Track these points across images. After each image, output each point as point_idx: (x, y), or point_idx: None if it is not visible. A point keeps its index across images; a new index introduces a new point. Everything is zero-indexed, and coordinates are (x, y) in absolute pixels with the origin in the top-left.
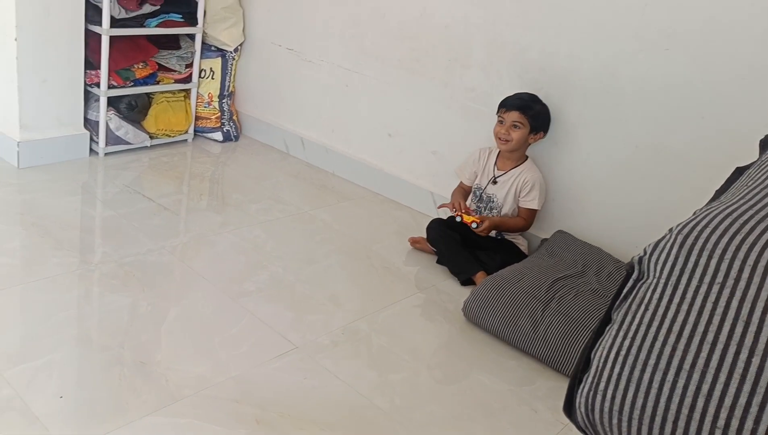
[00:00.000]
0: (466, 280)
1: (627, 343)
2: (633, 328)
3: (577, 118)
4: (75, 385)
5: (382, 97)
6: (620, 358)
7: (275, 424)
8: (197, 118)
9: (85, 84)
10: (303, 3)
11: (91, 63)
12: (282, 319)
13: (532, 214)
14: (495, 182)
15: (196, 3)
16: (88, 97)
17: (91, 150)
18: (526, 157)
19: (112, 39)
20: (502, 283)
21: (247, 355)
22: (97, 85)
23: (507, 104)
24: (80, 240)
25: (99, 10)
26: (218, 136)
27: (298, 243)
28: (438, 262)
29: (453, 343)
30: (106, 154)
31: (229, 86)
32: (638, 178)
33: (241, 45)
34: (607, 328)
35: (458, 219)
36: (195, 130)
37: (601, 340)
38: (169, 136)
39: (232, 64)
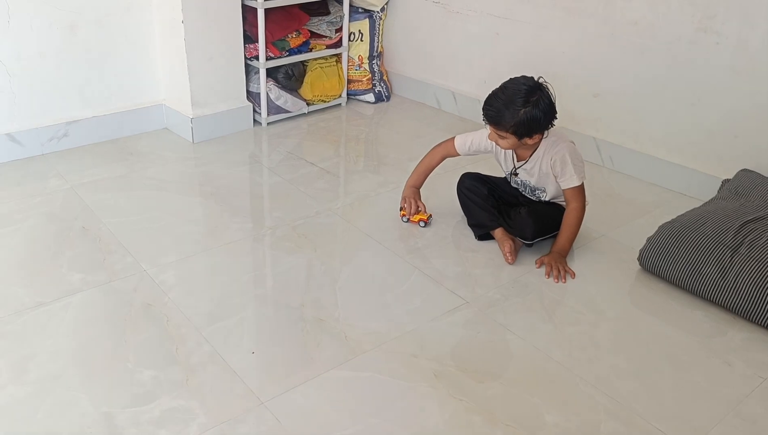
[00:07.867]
0: (483, 236)
1: None
2: None
3: (761, 44)
4: (264, 341)
5: (535, 42)
6: None
7: (454, 377)
8: (349, 81)
9: (245, 58)
10: None
11: (249, 37)
12: (450, 274)
13: (579, 190)
14: (516, 174)
15: None
16: (249, 70)
17: (254, 120)
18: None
19: (267, 11)
20: (681, 229)
21: (420, 311)
22: (256, 57)
23: (483, 113)
24: (254, 206)
25: None
26: (370, 97)
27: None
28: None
29: (630, 294)
30: (268, 123)
31: (377, 47)
32: None
33: (386, 4)
34: None
35: (404, 220)
36: (348, 94)
37: None
38: (324, 101)
39: (379, 25)
